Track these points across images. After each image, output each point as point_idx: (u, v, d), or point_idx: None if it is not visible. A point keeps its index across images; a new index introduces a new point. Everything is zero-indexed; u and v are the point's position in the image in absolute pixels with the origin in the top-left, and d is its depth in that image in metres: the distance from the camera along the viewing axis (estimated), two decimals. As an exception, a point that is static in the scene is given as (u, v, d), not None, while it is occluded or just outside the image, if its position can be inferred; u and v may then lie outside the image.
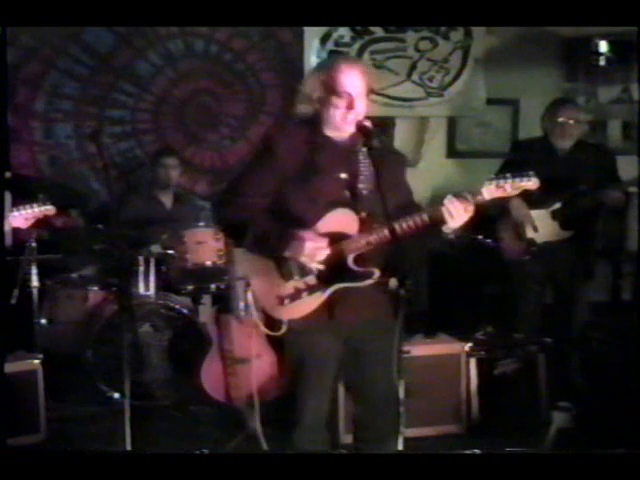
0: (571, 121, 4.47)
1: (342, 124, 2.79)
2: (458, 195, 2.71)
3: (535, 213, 4.45)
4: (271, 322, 2.88)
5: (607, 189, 4.34)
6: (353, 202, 2.81)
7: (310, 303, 2.83)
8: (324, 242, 2.75)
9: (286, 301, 2.84)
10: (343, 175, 2.83)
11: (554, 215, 4.44)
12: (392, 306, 2.70)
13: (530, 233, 4.49)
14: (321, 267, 2.77)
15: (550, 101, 4.69)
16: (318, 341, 2.87)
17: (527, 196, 4.27)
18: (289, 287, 2.84)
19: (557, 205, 4.42)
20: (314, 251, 2.73)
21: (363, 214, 2.80)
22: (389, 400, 2.77)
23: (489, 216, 4.29)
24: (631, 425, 3.61)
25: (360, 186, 2.81)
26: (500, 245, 4.65)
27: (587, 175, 4.41)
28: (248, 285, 2.90)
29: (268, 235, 2.79)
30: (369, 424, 2.98)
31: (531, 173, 2.73)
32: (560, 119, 4.48)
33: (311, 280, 2.81)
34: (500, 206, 4.43)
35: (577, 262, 4.53)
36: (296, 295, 2.83)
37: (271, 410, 4.26)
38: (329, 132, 2.84)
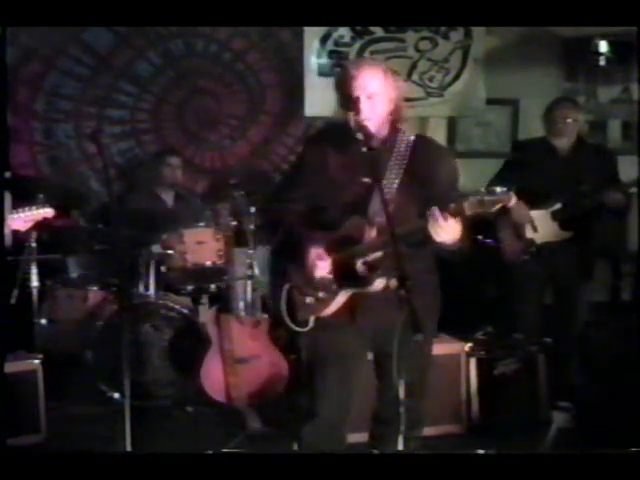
0: (569, 120, 4.47)
1: (354, 127, 2.78)
2: (441, 208, 2.63)
3: (535, 213, 4.45)
4: (298, 319, 2.94)
5: (608, 190, 4.34)
6: (369, 207, 2.83)
7: (331, 303, 2.89)
8: (326, 258, 2.84)
9: (308, 299, 2.91)
10: (365, 179, 2.84)
11: (554, 215, 4.44)
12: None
13: (530, 233, 4.49)
14: (323, 275, 2.84)
15: (550, 101, 4.70)
16: (340, 339, 2.91)
17: (527, 196, 4.28)
18: (309, 286, 2.90)
19: (557, 205, 4.42)
20: (313, 267, 2.84)
21: (377, 220, 2.80)
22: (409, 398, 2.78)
23: (489, 216, 4.29)
24: (631, 425, 3.61)
25: (384, 191, 2.79)
26: (500, 245, 4.64)
27: (588, 175, 4.41)
28: (288, 280, 2.97)
29: (288, 245, 2.93)
30: (387, 422, 2.99)
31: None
32: (558, 118, 4.49)
33: (327, 282, 2.87)
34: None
35: (576, 263, 4.53)
36: (314, 294, 2.90)
37: (271, 410, 4.27)
38: (361, 135, 2.82)
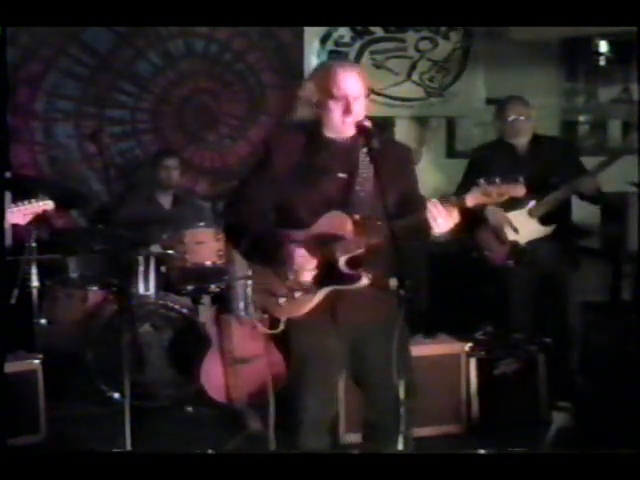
0: (521, 117, 4.47)
1: (341, 127, 2.82)
2: (442, 199, 2.71)
3: (512, 214, 4.43)
4: (270, 320, 2.91)
5: (577, 178, 4.35)
6: (348, 203, 2.82)
7: (306, 303, 2.85)
8: (313, 258, 2.79)
9: (281, 300, 2.86)
10: (341, 175, 2.84)
11: (531, 213, 4.43)
12: (396, 307, 2.70)
13: (511, 235, 4.47)
14: (310, 277, 2.80)
15: (499, 101, 4.70)
16: (320, 341, 2.87)
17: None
18: (283, 286, 2.86)
19: (532, 203, 4.40)
20: (302, 269, 2.79)
21: (356, 216, 2.80)
22: (395, 401, 2.77)
23: (468, 227, 4.29)
24: (631, 425, 3.61)
25: (357, 188, 2.82)
26: (484, 254, 4.61)
27: (552, 169, 4.40)
28: (249, 283, 2.93)
29: (261, 246, 2.84)
30: (377, 424, 2.98)
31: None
32: (510, 117, 4.48)
33: (304, 281, 2.83)
34: (476, 216, 4.39)
35: (561, 254, 4.51)
36: (289, 294, 2.85)
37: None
38: (330, 134, 2.86)
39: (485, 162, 4.44)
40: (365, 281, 2.79)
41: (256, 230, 2.86)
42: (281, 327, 2.87)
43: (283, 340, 2.95)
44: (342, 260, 2.81)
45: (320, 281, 2.83)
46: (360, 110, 2.80)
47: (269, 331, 2.90)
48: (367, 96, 2.83)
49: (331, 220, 2.82)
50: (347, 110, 2.77)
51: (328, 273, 2.81)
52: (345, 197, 2.83)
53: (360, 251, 2.79)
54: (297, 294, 2.84)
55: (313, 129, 2.88)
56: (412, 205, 2.84)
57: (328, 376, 2.94)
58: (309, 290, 2.83)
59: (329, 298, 2.85)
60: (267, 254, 2.83)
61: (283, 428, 3.07)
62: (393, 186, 2.81)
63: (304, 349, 2.90)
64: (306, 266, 2.79)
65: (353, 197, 2.81)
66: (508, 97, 4.67)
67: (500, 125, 4.58)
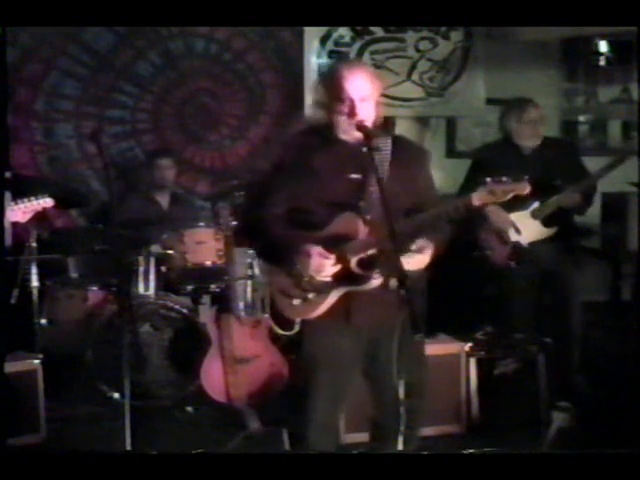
0: (536, 120, 4.48)
1: (348, 129, 2.81)
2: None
3: (515, 215, 4.43)
4: (284, 322, 2.91)
5: (579, 183, 4.35)
6: (361, 204, 2.82)
7: (320, 304, 2.85)
8: (331, 256, 2.78)
9: (295, 301, 2.86)
10: (355, 176, 2.84)
11: (534, 214, 4.43)
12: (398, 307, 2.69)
13: (514, 236, 4.47)
14: (329, 276, 2.80)
15: (510, 102, 4.67)
16: (334, 342, 2.88)
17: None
18: (297, 287, 2.86)
19: (536, 204, 4.40)
20: (320, 267, 2.78)
21: (368, 217, 2.80)
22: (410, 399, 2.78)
23: (469, 229, 4.30)
24: (631, 425, 3.61)
25: (371, 188, 2.81)
26: (485, 253, 4.61)
27: (557, 170, 4.41)
28: (249, 283, 2.94)
29: (277, 246, 2.86)
30: (385, 424, 2.98)
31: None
32: (526, 119, 4.47)
33: (317, 282, 2.82)
34: (478, 216, 4.39)
35: (565, 256, 4.51)
36: (302, 295, 2.85)
37: (271, 410, 4.27)
38: (341, 135, 2.86)
39: (489, 162, 4.43)
40: (376, 282, 2.78)
41: (272, 231, 2.87)
42: (296, 329, 2.88)
43: (294, 340, 2.95)
44: (354, 261, 2.81)
45: (332, 283, 2.83)
46: (369, 111, 2.81)
47: (283, 332, 2.90)
48: (376, 97, 2.83)
49: (344, 221, 2.82)
50: (352, 112, 2.77)
51: (340, 274, 2.81)
52: (358, 198, 2.83)
53: (371, 252, 2.79)
54: (310, 295, 2.84)
55: (325, 131, 2.88)
56: (426, 207, 2.84)
57: (340, 377, 2.94)
58: (322, 291, 2.83)
59: (343, 299, 2.85)
60: (283, 254, 2.84)
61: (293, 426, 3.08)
62: (405, 187, 2.82)
63: (317, 350, 2.90)
64: (325, 264, 2.78)
65: (366, 198, 2.81)
66: (520, 99, 4.62)
67: (513, 126, 4.53)
